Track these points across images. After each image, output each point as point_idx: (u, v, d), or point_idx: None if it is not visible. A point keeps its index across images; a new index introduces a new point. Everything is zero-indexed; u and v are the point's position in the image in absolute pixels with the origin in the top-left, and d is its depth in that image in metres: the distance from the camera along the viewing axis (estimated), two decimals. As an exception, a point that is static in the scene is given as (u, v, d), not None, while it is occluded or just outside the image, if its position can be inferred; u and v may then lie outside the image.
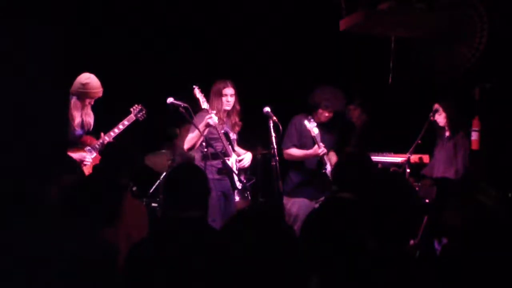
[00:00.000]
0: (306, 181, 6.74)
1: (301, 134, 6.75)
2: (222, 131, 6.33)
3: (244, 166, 6.50)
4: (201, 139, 6.19)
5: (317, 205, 6.52)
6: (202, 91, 6.25)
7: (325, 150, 6.56)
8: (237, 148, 6.64)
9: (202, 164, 6.19)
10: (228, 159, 6.32)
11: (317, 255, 3.24)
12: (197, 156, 6.44)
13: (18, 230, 2.97)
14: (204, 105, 6.18)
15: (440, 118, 6.62)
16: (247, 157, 6.53)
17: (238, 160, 6.44)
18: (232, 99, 6.39)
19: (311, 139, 6.63)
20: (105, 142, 6.18)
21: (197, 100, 6.20)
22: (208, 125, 6.13)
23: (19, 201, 3.12)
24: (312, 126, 6.63)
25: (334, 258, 3.25)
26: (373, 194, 3.56)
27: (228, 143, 6.36)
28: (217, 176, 6.27)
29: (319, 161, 6.66)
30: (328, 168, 6.61)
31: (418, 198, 3.18)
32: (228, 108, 6.39)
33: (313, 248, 3.32)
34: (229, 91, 6.36)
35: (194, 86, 6.23)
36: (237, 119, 6.51)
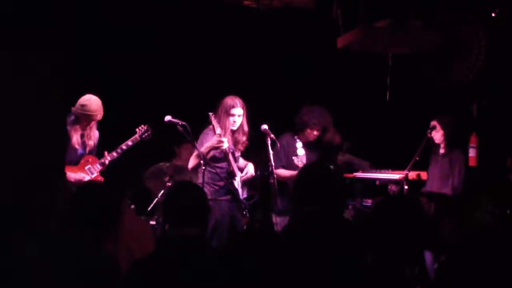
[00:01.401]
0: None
1: (288, 154, 6.72)
2: (231, 151, 6.26)
3: (248, 177, 6.45)
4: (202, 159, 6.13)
5: None
6: (216, 117, 6.09)
7: None
8: (241, 160, 6.63)
9: (209, 184, 6.12)
10: (235, 179, 6.27)
11: (305, 270, 3.24)
12: (203, 176, 6.28)
13: (17, 241, 2.97)
14: (218, 130, 6.02)
15: (437, 135, 6.62)
16: (250, 168, 6.48)
17: (241, 176, 6.37)
18: (239, 119, 6.24)
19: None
20: (107, 162, 6.17)
21: (212, 126, 6.04)
22: (216, 149, 6.08)
23: (18, 213, 3.12)
24: (298, 147, 6.68)
25: (326, 271, 3.25)
26: (339, 204, 3.58)
27: (234, 162, 6.30)
28: (224, 198, 6.21)
29: None
30: None
31: (425, 218, 3.17)
32: (235, 128, 6.27)
33: (299, 263, 3.32)
34: (237, 111, 6.21)
35: (210, 113, 6.07)
36: (243, 139, 6.37)
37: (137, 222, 4.33)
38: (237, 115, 6.22)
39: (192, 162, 6.22)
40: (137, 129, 6.43)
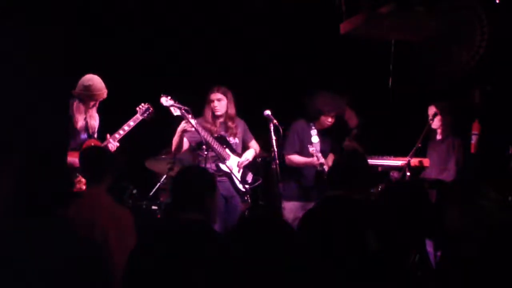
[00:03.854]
0: (304, 186, 6.74)
1: (302, 140, 6.76)
2: (216, 135, 6.36)
3: (243, 162, 6.51)
4: (183, 142, 6.25)
5: None
6: (172, 99, 6.09)
7: (323, 161, 6.56)
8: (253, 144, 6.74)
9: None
10: (224, 162, 6.33)
11: (316, 254, 3.25)
12: (196, 160, 6.45)
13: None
14: (177, 112, 6.07)
15: (435, 121, 6.64)
16: (246, 154, 6.58)
17: (239, 162, 6.47)
18: (220, 104, 6.41)
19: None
20: (109, 144, 6.10)
21: (168, 109, 6.07)
22: (184, 131, 6.15)
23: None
24: (313, 134, 6.69)
25: (333, 256, 3.26)
26: (364, 190, 3.57)
27: (224, 146, 6.38)
28: (216, 179, 6.28)
29: (320, 169, 6.65)
30: None
31: (432, 207, 3.18)
32: (219, 113, 6.44)
33: (312, 248, 3.33)
34: (215, 96, 6.40)
35: (161, 95, 6.09)
36: (229, 124, 6.51)
37: (116, 210, 4.35)
38: (216, 100, 6.41)
39: (172, 145, 6.34)
40: (137, 108, 6.31)
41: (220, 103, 6.42)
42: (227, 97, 6.45)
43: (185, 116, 6.05)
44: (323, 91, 6.78)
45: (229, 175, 6.38)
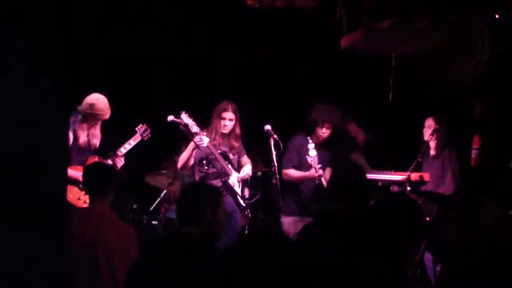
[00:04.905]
0: (302, 200, 6.73)
1: (300, 155, 6.75)
2: (219, 151, 6.35)
3: (245, 177, 6.52)
4: (191, 159, 6.25)
5: None
6: (190, 116, 6.20)
7: (321, 173, 6.55)
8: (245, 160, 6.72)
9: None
10: (228, 178, 6.34)
11: (314, 268, 3.24)
12: (197, 176, 6.45)
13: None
14: (194, 128, 6.15)
15: (428, 134, 6.63)
16: (246, 168, 6.58)
17: (239, 177, 6.47)
18: (230, 123, 6.43)
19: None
20: (117, 161, 6.16)
21: (186, 125, 6.16)
22: (196, 146, 6.15)
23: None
24: (310, 148, 6.67)
25: (330, 271, 3.25)
26: (362, 205, 3.57)
27: (227, 162, 6.39)
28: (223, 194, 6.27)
29: (317, 183, 6.64)
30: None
31: (425, 220, 3.17)
32: (225, 131, 6.45)
33: (310, 262, 3.32)
34: (227, 115, 6.41)
35: (181, 112, 6.19)
36: (234, 143, 6.52)
37: (120, 225, 4.37)
38: (228, 119, 6.42)
39: (181, 161, 6.40)
40: (136, 129, 6.43)
41: (231, 122, 6.44)
42: (236, 116, 6.47)
43: (200, 134, 6.13)
44: (319, 102, 6.78)
45: (231, 191, 6.38)
